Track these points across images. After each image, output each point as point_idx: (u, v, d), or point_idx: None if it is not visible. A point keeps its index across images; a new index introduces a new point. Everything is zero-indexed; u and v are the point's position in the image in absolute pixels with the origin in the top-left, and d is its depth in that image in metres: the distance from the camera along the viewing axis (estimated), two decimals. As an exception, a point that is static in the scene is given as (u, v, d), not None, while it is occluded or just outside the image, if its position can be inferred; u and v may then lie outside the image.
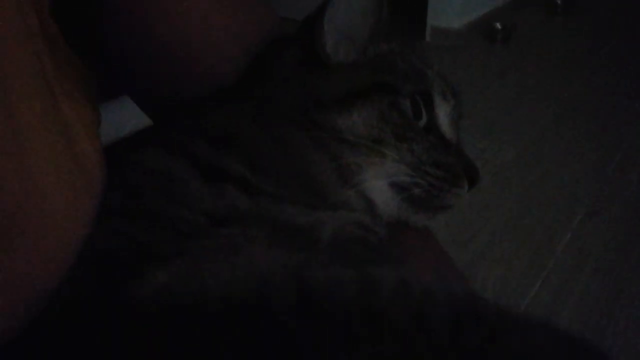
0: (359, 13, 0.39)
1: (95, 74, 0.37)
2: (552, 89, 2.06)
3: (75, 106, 0.31)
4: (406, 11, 2.58)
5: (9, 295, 0.26)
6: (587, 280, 1.22)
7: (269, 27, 0.42)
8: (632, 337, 1.09)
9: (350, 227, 0.33)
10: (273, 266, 0.27)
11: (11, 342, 0.26)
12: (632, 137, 1.74)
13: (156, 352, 0.24)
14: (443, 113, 0.40)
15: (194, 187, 0.31)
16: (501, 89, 2.06)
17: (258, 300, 0.24)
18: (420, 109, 0.38)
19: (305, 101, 0.36)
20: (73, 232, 0.28)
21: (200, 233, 0.29)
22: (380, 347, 0.22)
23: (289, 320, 0.22)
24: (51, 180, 0.27)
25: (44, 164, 0.27)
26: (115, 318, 0.25)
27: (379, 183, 0.36)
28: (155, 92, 0.42)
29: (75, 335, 0.26)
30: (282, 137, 0.35)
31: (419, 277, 0.26)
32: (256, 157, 0.34)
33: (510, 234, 1.36)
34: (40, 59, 0.29)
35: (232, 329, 0.23)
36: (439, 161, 0.37)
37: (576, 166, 1.60)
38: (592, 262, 1.27)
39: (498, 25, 2.42)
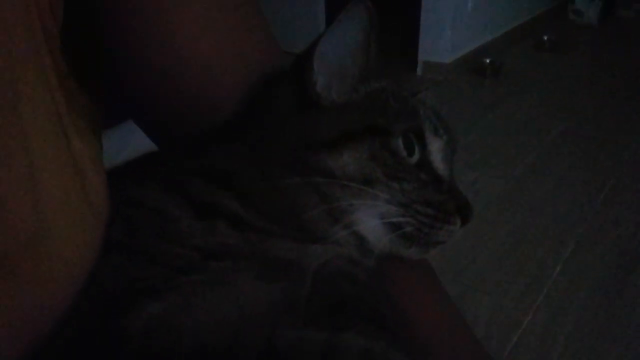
0: (349, 51, 0.38)
1: (101, 101, 0.39)
2: (540, 122, 2.10)
3: (84, 140, 0.32)
4: (399, 46, 2.64)
5: (16, 324, 0.27)
6: (579, 311, 1.23)
7: (271, 59, 0.42)
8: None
9: (339, 261, 0.34)
10: (255, 307, 0.28)
11: None
12: (619, 170, 1.77)
13: None
14: (435, 149, 0.39)
15: (186, 224, 0.32)
16: (491, 123, 2.10)
17: (226, 352, 0.25)
18: (412, 145, 0.38)
19: (296, 142, 0.36)
20: (81, 265, 0.30)
21: (192, 268, 0.29)
22: None
23: None
24: (63, 216, 0.29)
25: (57, 200, 0.28)
26: (107, 351, 0.26)
27: (371, 222, 0.36)
28: (157, 119, 0.42)
29: None
30: (273, 178, 0.35)
31: (389, 348, 0.27)
32: (248, 196, 0.34)
33: (502, 266, 1.37)
34: (54, 97, 0.30)
35: None
36: (430, 199, 0.37)
37: (566, 198, 1.63)
38: (583, 293, 1.28)
39: (487, 61, 2.48)
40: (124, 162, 0.39)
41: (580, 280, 1.32)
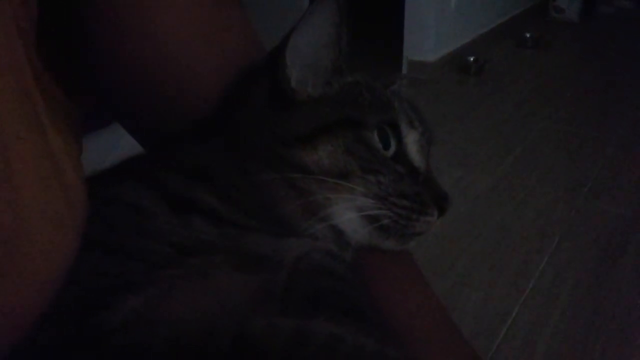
0: (320, 44, 0.38)
1: (81, 100, 0.39)
2: (523, 118, 2.13)
3: (62, 139, 0.32)
4: (383, 46, 2.65)
5: None
6: (564, 304, 1.24)
7: (251, 53, 0.42)
8: (611, 356, 1.11)
9: (316, 254, 0.34)
10: (231, 299, 0.29)
11: None
12: (601, 165, 1.80)
13: None
14: (411, 141, 0.39)
15: (163, 220, 0.32)
16: (475, 120, 2.12)
17: (202, 342, 0.26)
18: (388, 138, 0.38)
19: (272, 138, 0.36)
20: (59, 262, 0.30)
21: (168, 263, 0.30)
22: None
23: None
24: (40, 212, 0.28)
25: (35, 199, 0.28)
26: (87, 347, 0.27)
27: (348, 216, 0.36)
28: (141, 119, 0.42)
29: None
30: (249, 173, 0.36)
31: (359, 333, 0.28)
32: (225, 191, 0.35)
33: (488, 261, 1.38)
34: (30, 94, 0.30)
35: None
36: (407, 191, 0.37)
37: (549, 193, 1.65)
38: (568, 285, 1.29)
39: (471, 59, 2.49)
40: (110, 165, 0.39)
41: (565, 273, 1.33)
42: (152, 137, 0.43)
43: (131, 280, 0.29)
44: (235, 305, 0.29)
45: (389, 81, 0.44)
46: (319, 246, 0.35)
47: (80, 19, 0.37)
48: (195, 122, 0.40)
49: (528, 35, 2.84)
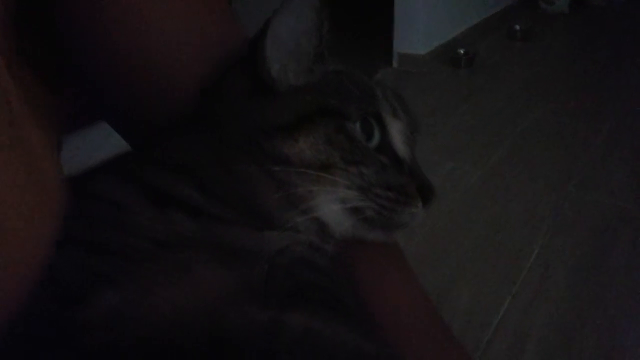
0: (301, 31, 0.37)
1: (61, 94, 0.38)
2: (514, 111, 2.13)
3: (37, 126, 0.32)
4: (374, 39, 2.65)
5: None
6: (556, 294, 1.25)
7: (234, 43, 0.41)
8: (602, 348, 1.11)
9: (298, 247, 0.34)
10: (210, 293, 0.28)
11: None
12: (590, 157, 1.80)
13: None
14: (395, 131, 0.39)
15: (142, 215, 0.32)
16: (466, 113, 2.12)
17: (173, 339, 0.26)
18: (372, 129, 0.37)
19: (253, 129, 0.36)
20: (34, 251, 0.29)
21: (146, 258, 0.29)
22: None
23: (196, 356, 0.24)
24: (18, 208, 0.28)
25: (10, 193, 0.28)
26: (66, 342, 0.26)
27: (330, 208, 0.36)
28: (124, 113, 0.42)
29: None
30: (230, 166, 0.35)
31: (338, 327, 0.27)
32: (206, 184, 0.34)
33: (479, 254, 1.38)
34: (2, 85, 0.29)
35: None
36: (391, 182, 0.36)
37: (540, 185, 1.65)
38: (559, 277, 1.30)
39: (461, 51, 2.50)
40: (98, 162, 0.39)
41: (557, 265, 1.34)
42: (137, 133, 0.42)
43: (109, 276, 0.28)
44: (214, 299, 0.28)
45: (373, 71, 0.43)
46: (301, 239, 0.34)
47: (58, 10, 0.37)
48: (178, 114, 0.39)
49: (518, 27, 2.85)
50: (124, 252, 0.30)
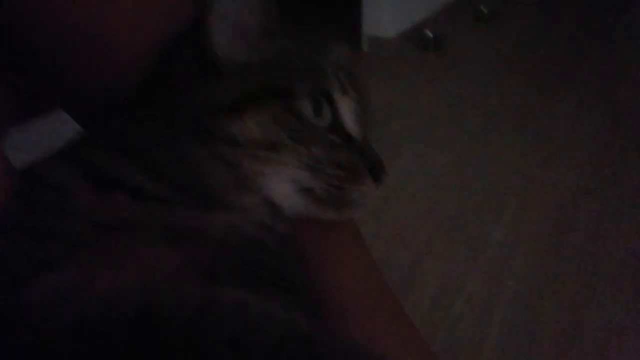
0: (248, 7, 0.36)
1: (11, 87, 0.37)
2: (481, 92, 2.16)
3: None
4: (342, 23, 2.63)
5: None
6: (521, 270, 1.28)
7: (181, 17, 0.39)
8: (563, 321, 1.15)
9: (247, 227, 0.33)
10: (155, 275, 0.29)
11: None
12: (554, 136, 1.85)
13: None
14: (345, 109, 0.38)
15: (85, 199, 0.32)
16: (434, 95, 2.14)
17: (102, 318, 0.25)
18: (321, 107, 0.36)
19: (199, 109, 0.35)
20: None
21: (89, 242, 0.29)
22: None
23: (123, 336, 0.24)
24: None
25: None
26: (7, 326, 0.26)
27: (281, 189, 0.35)
28: (73, 96, 0.40)
29: None
30: (177, 147, 0.34)
31: (273, 303, 0.28)
32: (152, 166, 0.34)
33: (447, 233, 1.41)
34: None
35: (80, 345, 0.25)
36: (341, 160, 0.36)
37: (505, 165, 1.69)
38: (524, 253, 1.34)
39: (429, 34, 2.50)
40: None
41: (521, 242, 1.37)
42: (88, 115, 0.41)
43: (50, 260, 0.28)
44: (155, 279, 0.28)
45: (328, 50, 0.42)
46: (251, 219, 0.34)
47: None
48: (128, 93, 0.38)
49: (484, 9, 2.87)
50: (66, 237, 0.29)
